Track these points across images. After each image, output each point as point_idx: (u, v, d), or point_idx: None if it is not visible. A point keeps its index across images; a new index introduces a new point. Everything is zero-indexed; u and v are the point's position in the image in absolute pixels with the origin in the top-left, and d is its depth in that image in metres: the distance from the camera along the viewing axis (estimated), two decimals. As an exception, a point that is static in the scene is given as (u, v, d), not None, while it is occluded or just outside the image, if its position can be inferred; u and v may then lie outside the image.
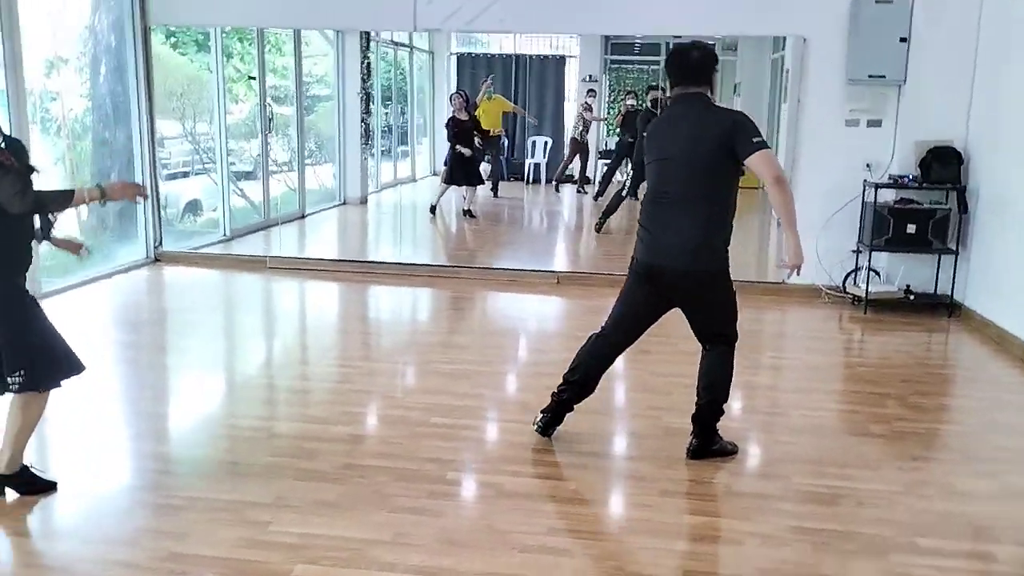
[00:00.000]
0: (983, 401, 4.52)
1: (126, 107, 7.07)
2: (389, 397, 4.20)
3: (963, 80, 5.98)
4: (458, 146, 9.91)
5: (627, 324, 3.50)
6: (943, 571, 2.70)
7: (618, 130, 11.92)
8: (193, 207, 9.01)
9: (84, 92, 7.18)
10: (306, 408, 4.05)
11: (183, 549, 2.68)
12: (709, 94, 3.30)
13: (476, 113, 10.72)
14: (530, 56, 14.78)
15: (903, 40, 6.03)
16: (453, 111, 10.17)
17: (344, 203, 11.09)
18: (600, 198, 11.56)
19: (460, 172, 10.03)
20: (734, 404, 3.91)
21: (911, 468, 3.51)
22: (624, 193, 9.28)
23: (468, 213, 10.13)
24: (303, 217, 9.79)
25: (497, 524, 2.91)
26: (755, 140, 3.11)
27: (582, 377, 3.52)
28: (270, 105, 8.91)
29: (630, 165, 10.69)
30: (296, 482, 3.17)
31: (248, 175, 9.27)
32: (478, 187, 10.48)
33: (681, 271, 3.28)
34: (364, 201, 11.31)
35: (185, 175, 9.23)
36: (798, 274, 3.41)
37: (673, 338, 4.19)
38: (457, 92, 10.75)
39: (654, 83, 11.99)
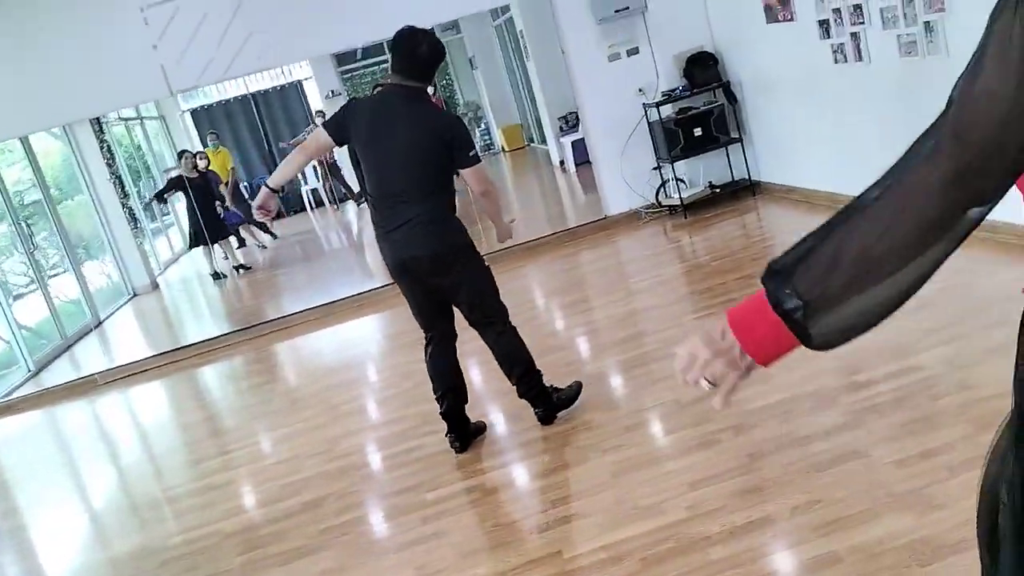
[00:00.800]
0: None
1: None
2: (318, 454, 4.03)
3: (694, -11, 6.61)
4: (190, 206, 9.51)
5: (426, 317, 3.47)
6: (887, 393, 3.06)
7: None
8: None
9: None
10: (239, 500, 3.80)
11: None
12: (427, 90, 3.31)
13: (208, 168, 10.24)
14: (267, 90, 14.39)
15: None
16: (180, 172, 9.70)
17: (135, 295, 10.29)
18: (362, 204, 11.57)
19: (200, 232, 9.62)
20: (593, 346, 4.11)
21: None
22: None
23: (241, 267, 9.85)
24: (100, 324, 8.96)
25: (503, 519, 2.94)
26: (470, 154, 3.26)
27: (440, 387, 3.48)
28: (24, 223, 8.05)
29: None
30: (285, 567, 3.00)
31: (16, 297, 8.33)
32: (231, 238, 10.19)
33: (426, 256, 3.27)
34: (156, 286, 10.56)
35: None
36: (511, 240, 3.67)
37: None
38: (186, 151, 10.23)
39: (379, 81, 12.12)
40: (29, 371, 7.12)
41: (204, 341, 6.79)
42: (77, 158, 10.05)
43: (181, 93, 9.07)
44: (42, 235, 8.99)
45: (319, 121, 12.66)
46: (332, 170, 12.87)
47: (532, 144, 14.30)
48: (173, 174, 10.18)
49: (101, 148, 10.23)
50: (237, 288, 9.67)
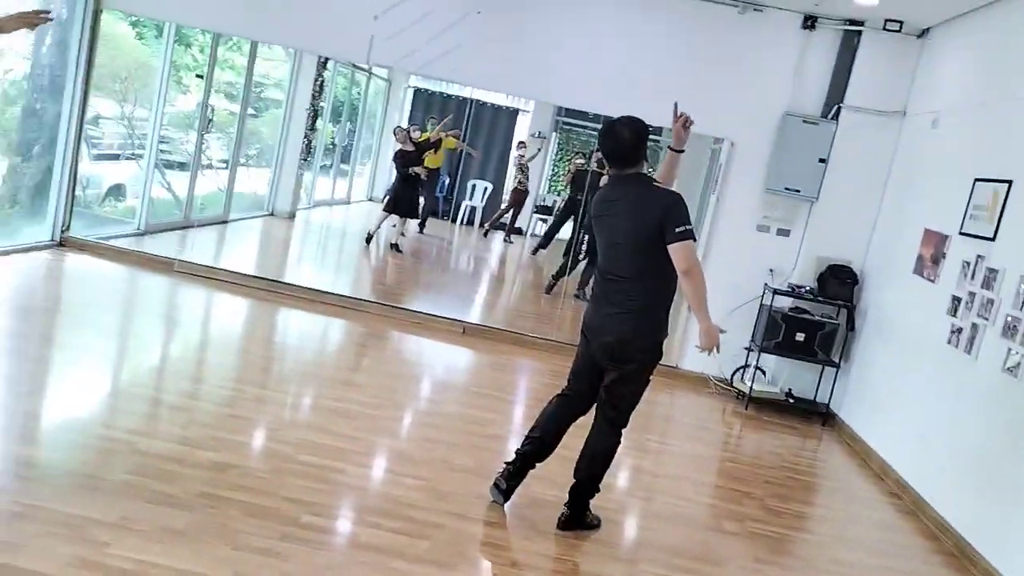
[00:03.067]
0: (838, 512, 4.76)
1: (62, 82, 6.93)
2: (263, 427, 4.18)
3: (870, 208, 6.38)
4: (412, 169, 9.99)
5: (576, 383, 3.69)
6: None
7: (567, 188, 12.16)
8: (116, 191, 8.83)
9: (27, 56, 7.00)
10: (178, 428, 3.99)
11: (11, 561, 2.62)
12: (644, 169, 3.48)
13: (422, 140, 10.80)
14: (484, 103, 15.03)
15: (822, 161, 6.41)
16: (399, 145, 10.27)
17: (272, 214, 11.02)
18: (539, 252, 11.75)
19: (404, 202, 10.08)
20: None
21: (752, 570, 3.67)
22: (582, 257, 9.43)
23: (395, 247, 10.16)
24: (226, 223, 9.67)
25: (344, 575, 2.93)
26: (678, 230, 3.27)
27: (540, 435, 3.68)
28: (211, 106, 8.83)
29: (576, 224, 10.98)
30: (146, 504, 3.12)
31: (181, 166, 9.13)
32: (408, 220, 10.53)
33: (609, 341, 3.47)
34: (292, 216, 11.24)
35: (116, 157, 9.06)
36: (718, 351, 3.49)
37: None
38: (399, 127, 10.88)
39: (586, 151, 12.37)
40: (138, 228, 7.80)
41: (290, 285, 7.17)
42: (293, 77, 10.92)
43: (375, 66, 9.57)
44: (218, 134, 9.82)
45: (521, 152, 13.14)
46: (520, 202, 13.15)
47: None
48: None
49: (316, 80, 11.06)
50: (354, 258, 10.14)
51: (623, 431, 3.62)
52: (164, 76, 7.90)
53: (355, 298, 7.21)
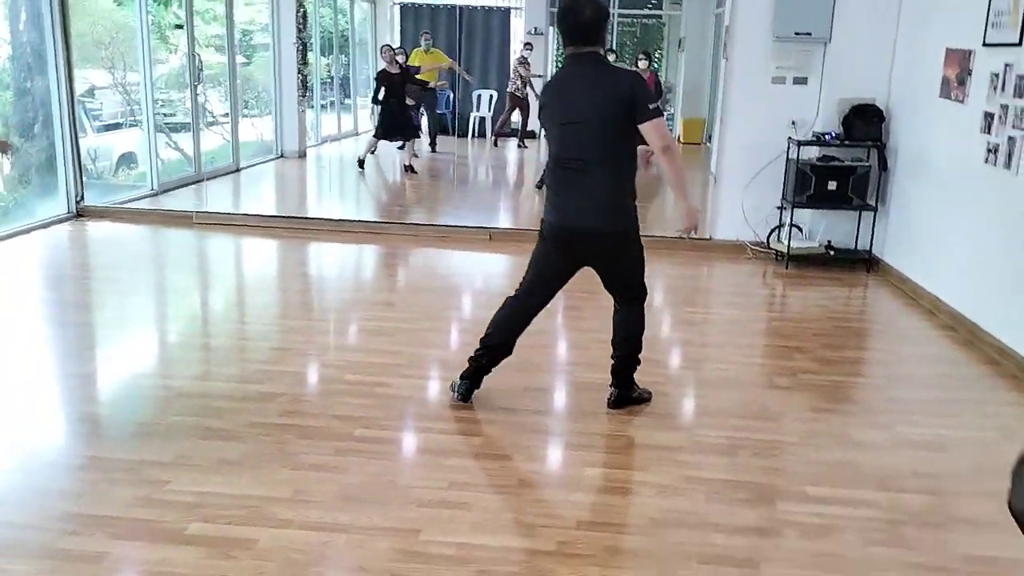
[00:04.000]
0: (889, 354, 4.68)
1: (46, 56, 6.82)
2: (305, 354, 4.19)
3: (886, 40, 6.07)
4: (387, 98, 9.77)
5: (541, 287, 3.51)
6: (826, 517, 2.81)
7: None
8: (127, 160, 8.78)
9: (5, 39, 6.90)
10: (219, 366, 4.03)
11: (77, 509, 2.67)
12: (601, 51, 3.30)
13: (412, 63, 10.56)
14: (474, 7, 14.55)
15: (830, -5, 6.08)
16: (384, 64, 10.03)
17: (282, 156, 10.92)
18: None
19: (392, 126, 9.93)
20: (652, 357, 3.99)
21: (810, 419, 3.63)
22: None
23: (409, 168, 10.03)
24: (237, 171, 9.61)
25: (399, 480, 2.95)
26: (651, 107, 3.18)
27: (499, 341, 3.54)
28: (198, 55, 8.65)
29: None
30: (199, 441, 3.16)
31: (184, 127, 9.05)
32: (414, 140, 10.36)
33: (598, 232, 3.31)
34: (303, 155, 11.13)
35: (119, 127, 8.99)
36: (695, 232, 3.46)
37: (595, 294, 4.20)
38: (386, 45, 10.59)
39: None
40: (152, 190, 7.77)
41: (309, 219, 7.14)
42: (274, 14, 10.64)
43: None
44: (213, 85, 9.65)
45: (524, 53, 12.73)
46: (522, 106, 12.81)
47: (708, 144, 13.81)
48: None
49: (297, 12, 10.76)
50: (366, 182, 10.05)
51: (646, 298, 3.53)
52: (144, 35, 7.73)
53: (378, 222, 7.17)
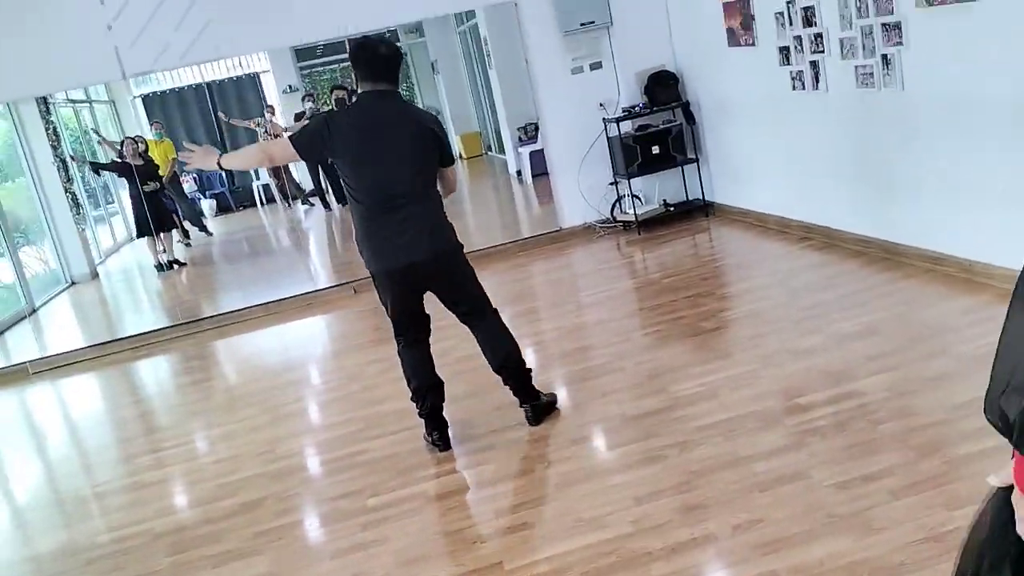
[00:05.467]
0: (775, 274, 5.12)
1: None
2: (258, 455, 3.93)
3: (659, 13, 6.67)
4: (147, 185, 9.31)
5: (409, 323, 3.43)
6: (829, 417, 3.10)
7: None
8: None
9: None
10: (171, 499, 3.68)
11: None
12: (399, 89, 3.35)
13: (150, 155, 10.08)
14: (222, 80, 14.12)
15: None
16: (125, 157, 9.49)
17: (73, 283, 9.97)
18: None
19: (146, 220, 9.40)
20: (543, 361, 4.11)
21: (754, 345, 3.95)
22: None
23: (175, 263, 9.59)
24: (34, 311, 8.65)
25: (447, 527, 2.89)
26: (450, 154, 3.41)
27: (427, 384, 3.46)
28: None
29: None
30: (216, 569, 2.90)
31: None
32: (172, 232, 9.95)
33: (430, 258, 3.27)
34: (95, 275, 10.24)
35: None
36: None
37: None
38: (128, 137, 10.07)
39: (338, 83, 11.97)
40: (-46, 357, 6.84)
41: (142, 334, 6.60)
42: (20, 138, 9.72)
43: (134, 77, 8.73)
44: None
45: (268, 116, 12.47)
46: (284, 169, 12.60)
47: (490, 153, 14.28)
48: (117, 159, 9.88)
49: (47, 129, 9.90)
50: (180, 282, 9.44)
51: (490, 304, 3.53)
52: None
53: (211, 316, 6.72)
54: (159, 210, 9.51)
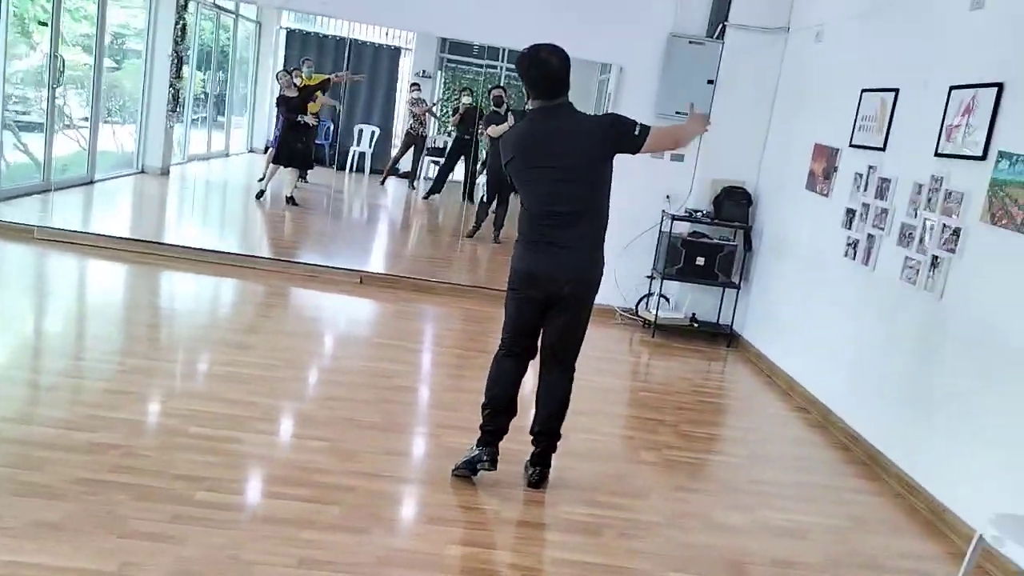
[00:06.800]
0: (750, 432, 4.79)
1: None
2: (147, 400, 3.83)
3: (760, 126, 6.38)
4: (301, 117, 9.50)
5: (527, 334, 3.44)
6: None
7: (454, 129, 11.70)
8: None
9: None
10: (48, 408, 3.60)
11: None
12: (570, 100, 3.29)
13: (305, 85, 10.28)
14: (364, 42, 14.38)
15: (710, 82, 6.34)
16: (281, 89, 9.74)
17: (142, 171, 10.28)
18: (432, 196, 11.44)
19: (290, 152, 9.59)
20: (518, 423, 3.88)
21: (675, 499, 3.63)
22: (486, 200, 9.18)
23: (290, 200, 9.66)
24: (91, 183, 8.94)
25: (244, 554, 2.69)
26: (636, 131, 3.22)
27: (506, 405, 3.45)
28: (60, 55, 8.04)
29: (468, 164, 10.63)
30: (14, 498, 2.78)
31: (38, 127, 8.32)
32: (297, 172, 10.04)
33: (579, 279, 3.30)
34: (166, 172, 10.52)
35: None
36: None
37: (481, 354, 4.07)
38: (283, 71, 10.31)
39: (495, 84, 11.91)
40: (-11, 197, 7.08)
41: (164, 244, 6.69)
42: (150, 21, 10.10)
43: (282, 7, 8.81)
44: (76, 87, 8.99)
45: (415, 94, 12.57)
46: (417, 144, 12.55)
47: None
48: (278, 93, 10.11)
49: (176, 23, 10.25)
50: (254, 214, 9.60)
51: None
52: (2, 28, 7.09)
53: (240, 254, 6.79)
54: (304, 146, 9.68)
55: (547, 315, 3.37)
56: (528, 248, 3.33)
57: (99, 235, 6.57)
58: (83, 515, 2.75)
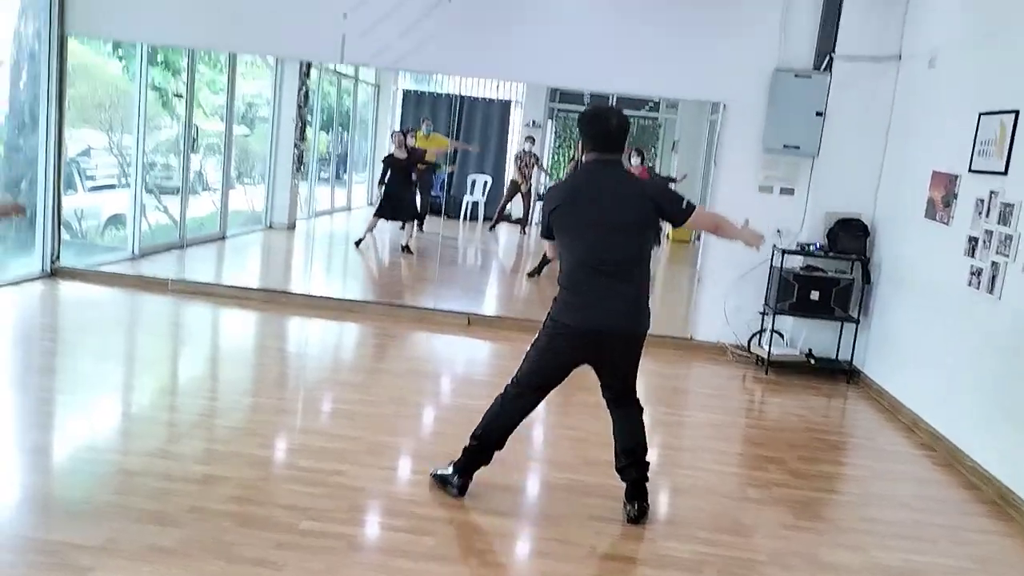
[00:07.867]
0: (866, 470, 4.54)
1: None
2: (259, 435, 4.02)
3: (873, 158, 6.15)
4: (391, 181, 9.97)
5: (540, 382, 3.45)
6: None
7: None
8: (116, 221, 8.72)
9: (3, 97, 6.92)
10: (170, 443, 3.85)
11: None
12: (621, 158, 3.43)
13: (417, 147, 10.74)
14: (475, 98, 14.86)
15: (819, 114, 6.17)
16: (392, 149, 10.23)
17: (270, 227, 10.90)
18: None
19: (392, 207, 10.04)
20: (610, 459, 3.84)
21: (781, 536, 3.47)
22: None
23: (405, 248, 10.07)
24: (223, 239, 9.55)
25: (341, 579, 2.77)
26: (683, 206, 3.30)
27: (496, 438, 3.48)
28: (196, 124, 8.72)
29: None
30: (132, 524, 2.97)
31: (177, 191, 9.04)
32: (413, 223, 10.45)
33: (626, 334, 3.33)
34: (292, 227, 11.12)
35: (112, 187, 8.97)
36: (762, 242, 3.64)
37: (579, 390, 4.05)
38: (397, 131, 10.81)
39: None
40: (132, 254, 7.69)
41: (287, 293, 7.07)
42: (276, 89, 10.81)
43: (350, 64, 9.27)
44: (212, 153, 9.72)
45: (527, 147, 12.89)
46: (523, 193, 12.84)
47: (699, 241, 13.86)
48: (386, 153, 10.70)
49: (300, 90, 10.93)
50: (369, 263, 10.03)
51: None
52: (142, 100, 7.77)
53: (357, 300, 7.08)
54: (403, 200, 10.16)
55: (598, 366, 3.40)
56: (576, 297, 3.29)
57: (226, 286, 7.01)
58: (193, 541, 2.91)
